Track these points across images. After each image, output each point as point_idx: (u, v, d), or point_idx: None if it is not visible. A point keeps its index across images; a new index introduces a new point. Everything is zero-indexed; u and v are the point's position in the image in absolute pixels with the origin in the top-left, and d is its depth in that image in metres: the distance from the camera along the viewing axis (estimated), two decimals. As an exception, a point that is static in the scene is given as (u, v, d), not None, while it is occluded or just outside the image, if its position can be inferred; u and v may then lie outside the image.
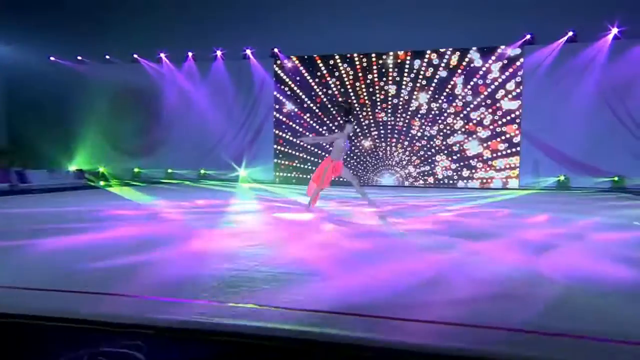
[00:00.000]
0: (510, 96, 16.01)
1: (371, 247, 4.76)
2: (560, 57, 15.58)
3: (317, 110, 17.84)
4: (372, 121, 17.32)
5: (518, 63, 15.90)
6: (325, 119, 17.78)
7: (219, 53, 18.52)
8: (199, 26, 17.53)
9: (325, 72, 17.73)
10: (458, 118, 16.26)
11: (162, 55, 19.00)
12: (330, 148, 7.33)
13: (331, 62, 17.64)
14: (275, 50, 18.21)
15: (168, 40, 18.27)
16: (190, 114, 18.71)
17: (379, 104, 17.22)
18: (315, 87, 17.81)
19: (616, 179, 14.97)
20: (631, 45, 14.91)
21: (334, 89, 17.62)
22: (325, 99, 17.75)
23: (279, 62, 18.18)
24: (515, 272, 3.74)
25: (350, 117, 7.19)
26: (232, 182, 17.94)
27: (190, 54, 18.89)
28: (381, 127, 17.23)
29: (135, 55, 19.20)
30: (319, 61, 17.78)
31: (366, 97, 17.31)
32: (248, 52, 18.35)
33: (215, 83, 18.56)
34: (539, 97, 15.66)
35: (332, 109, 16.75)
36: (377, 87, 17.19)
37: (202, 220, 6.62)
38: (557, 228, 6.32)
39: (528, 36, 15.79)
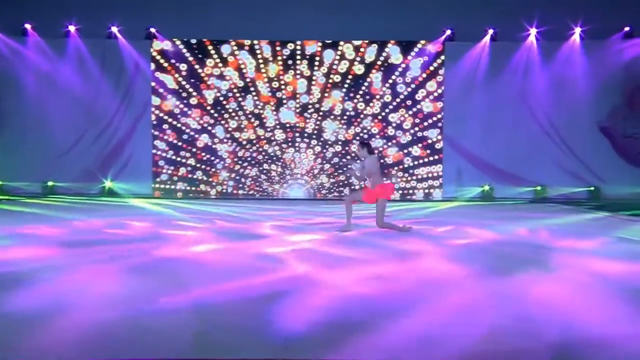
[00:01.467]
0: (431, 97, 14.95)
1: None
2: (482, 57, 15.09)
3: (208, 107, 15.16)
4: (276, 122, 15.17)
5: (439, 61, 14.94)
6: (218, 117, 15.16)
7: (72, 28, 14.86)
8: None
9: (218, 61, 15.12)
10: (376, 120, 14.73)
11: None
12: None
13: (226, 49, 15.09)
14: (152, 30, 15.12)
15: None
16: (30, 108, 14.77)
17: (285, 101, 15.12)
18: (206, 78, 15.11)
19: (538, 188, 14.71)
20: (556, 47, 14.76)
21: (230, 82, 15.09)
22: (219, 94, 15.14)
23: (158, 45, 15.11)
24: None
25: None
26: (94, 196, 14.44)
27: (28, 26, 14.92)
28: (288, 130, 15.18)
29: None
30: (210, 47, 15.12)
31: (269, 94, 15.11)
32: (114, 29, 14.98)
33: (71, 68, 14.86)
34: (461, 100, 15.01)
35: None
36: (282, 82, 15.08)
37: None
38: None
39: (448, 32, 14.94)
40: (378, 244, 6.00)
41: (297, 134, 15.17)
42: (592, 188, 14.67)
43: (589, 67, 14.73)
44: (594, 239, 6.51)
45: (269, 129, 15.28)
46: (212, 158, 15.25)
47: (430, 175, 15.12)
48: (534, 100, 14.97)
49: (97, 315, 3.17)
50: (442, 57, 15.09)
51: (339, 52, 15.15)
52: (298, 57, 15.19)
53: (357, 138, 15.13)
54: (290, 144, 15.20)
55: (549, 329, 2.94)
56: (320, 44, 15.17)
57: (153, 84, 15.15)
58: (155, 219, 8.82)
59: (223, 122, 15.24)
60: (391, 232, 6.98)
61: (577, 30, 14.75)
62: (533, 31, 14.80)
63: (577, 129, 14.82)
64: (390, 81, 15.16)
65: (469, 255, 5.27)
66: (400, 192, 15.24)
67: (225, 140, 15.25)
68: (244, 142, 15.25)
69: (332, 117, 15.27)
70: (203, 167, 15.31)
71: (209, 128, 15.25)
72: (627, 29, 14.65)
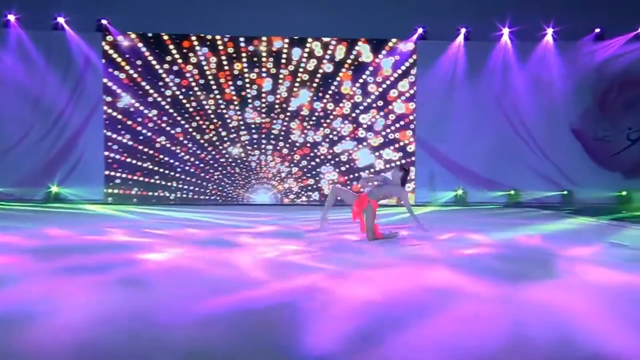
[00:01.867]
0: (403, 98, 14.51)
1: None
2: (455, 57, 14.75)
3: (166, 106, 14.23)
4: (241, 123, 14.41)
5: (411, 60, 14.53)
6: (178, 118, 14.26)
7: (11, 17, 13.65)
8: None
9: (178, 57, 14.21)
10: (346, 122, 14.19)
11: None
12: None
13: (186, 44, 14.21)
14: (104, 22, 14.07)
15: None
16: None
17: (250, 101, 14.37)
18: (165, 75, 14.18)
19: (512, 192, 14.49)
20: (530, 49, 14.62)
21: (191, 79, 14.22)
22: (178, 92, 14.23)
23: (110, 38, 14.07)
24: None
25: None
26: (38, 203, 13.27)
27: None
28: (253, 131, 14.44)
29: None
30: (169, 43, 14.20)
31: (233, 93, 14.34)
32: (61, 20, 13.85)
33: (12, 59, 13.64)
34: (434, 101, 14.63)
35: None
36: (247, 80, 14.33)
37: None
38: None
39: (420, 30, 14.55)
40: (382, 251, 5.41)
41: (263, 135, 14.32)
42: (565, 192, 14.52)
43: (562, 69, 14.66)
44: (594, 246, 6.26)
45: (232, 130, 14.46)
46: (171, 161, 14.31)
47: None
48: (508, 102, 14.75)
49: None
50: (414, 57, 14.60)
51: (306, 50, 14.50)
52: (264, 54, 14.44)
53: (326, 140, 14.47)
54: (255, 146, 14.29)
55: (583, 340, 2.74)
56: (287, 40, 14.48)
57: (105, 80, 14.07)
58: (121, 225, 7.89)
59: (183, 122, 14.32)
60: (383, 240, 6.41)
61: (550, 31, 14.63)
62: (506, 31, 14.60)
63: (551, 131, 14.70)
64: (361, 80, 14.55)
65: (484, 264, 4.82)
66: None
67: (185, 141, 14.33)
68: (206, 144, 14.37)
69: (300, 117, 14.57)
70: (161, 170, 14.33)
71: (167, 128, 14.30)
72: (597, 30, 14.62)
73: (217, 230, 7.51)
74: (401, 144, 14.77)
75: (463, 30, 14.71)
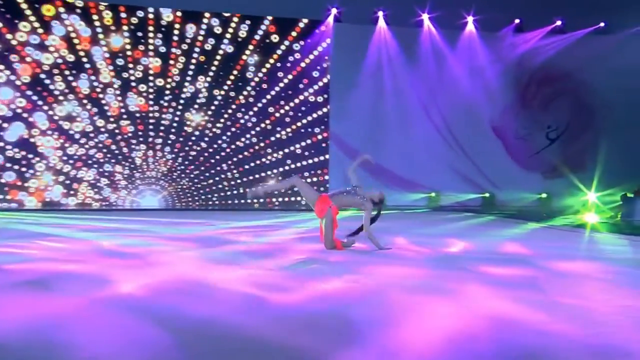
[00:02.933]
0: (315, 87, 13.21)
1: None
2: (375, 43, 13.78)
3: (22, 87, 11.69)
4: (123, 111, 12.25)
5: (324, 44, 13.20)
6: (39, 102, 11.78)
7: None
8: None
9: (37, 25, 11.74)
10: (251, 112, 12.85)
11: None
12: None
13: (49, 10, 11.77)
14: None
15: None
16: None
17: (133, 84, 12.24)
18: (20, 48, 11.65)
19: (433, 195, 13.74)
20: (453, 39, 14.01)
21: (55, 54, 11.79)
22: (39, 70, 11.75)
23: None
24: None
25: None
26: None
27: None
28: (138, 121, 12.36)
29: None
30: (26, 7, 11.66)
31: (113, 73, 12.13)
32: None
33: None
34: (350, 91, 13.49)
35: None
36: (130, 60, 12.19)
37: None
38: None
39: (335, 10, 13.28)
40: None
41: (151, 127, 12.34)
42: (487, 194, 13.96)
43: (484, 61, 14.14)
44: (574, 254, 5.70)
45: (112, 119, 12.20)
46: (30, 156, 11.76)
47: (315, 179, 13.27)
48: (429, 96, 14.01)
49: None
50: (328, 40, 13.32)
51: (203, 26, 12.62)
52: (150, 28, 12.32)
53: (228, 133, 12.68)
54: (141, 139, 12.36)
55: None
56: (179, 13, 12.49)
57: (-62, 51, 11.21)
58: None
59: (46, 107, 11.82)
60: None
61: (470, 19, 13.99)
62: (425, 17, 13.79)
63: (472, 128, 14.10)
64: (268, 65, 12.96)
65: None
66: (281, 200, 13.20)
67: (48, 132, 11.85)
68: (77, 136, 12.00)
69: (196, 106, 12.66)
70: (16, 167, 11.73)
71: (25, 115, 11.72)
72: (517, 21, 14.19)
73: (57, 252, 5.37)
74: (313, 139, 13.42)
75: (381, 14, 13.62)
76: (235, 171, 13.03)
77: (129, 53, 12.35)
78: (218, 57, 12.82)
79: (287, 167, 13.25)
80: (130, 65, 12.37)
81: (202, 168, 12.86)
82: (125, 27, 12.30)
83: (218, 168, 12.92)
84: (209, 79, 12.81)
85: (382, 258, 5.09)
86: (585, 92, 14.37)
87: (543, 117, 14.62)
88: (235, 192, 13.00)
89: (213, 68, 12.82)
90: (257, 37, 13.01)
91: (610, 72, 13.43)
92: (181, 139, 12.72)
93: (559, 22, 14.30)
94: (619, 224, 9.38)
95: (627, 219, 9.89)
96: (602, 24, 14.30)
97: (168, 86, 12.61)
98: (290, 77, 13.23)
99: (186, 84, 12.70)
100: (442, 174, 13.84)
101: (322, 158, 13.44)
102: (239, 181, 13.03)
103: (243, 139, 13.06)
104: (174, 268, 4.34)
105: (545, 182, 14.38)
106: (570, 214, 11.18)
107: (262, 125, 13.15)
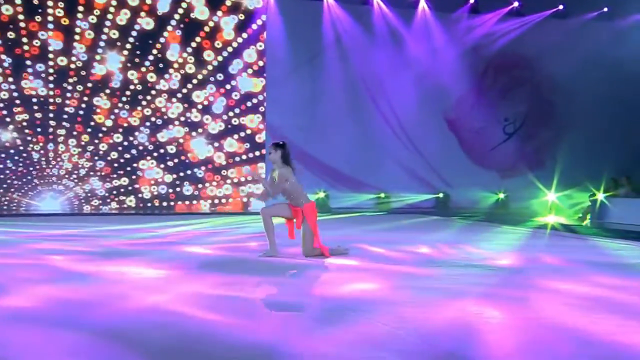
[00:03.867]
0: (250, 71, 12.35)
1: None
2: (318, 22, 12.75)
3: None
4: (15, 95, 10.69)
5: (260, 22, 12.37)
6: None
7: None
8: None
9: None
10: (174, 100, 11.98)
11: None
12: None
13: None
14: None
15: None
16: None
17: (29, 64, 10.67)
18: None
19: (382, 196, 12.95)
20: (407, 19, 13.17)
21: None
22: None
23: None
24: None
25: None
26: None
27: None
28: (35, 108, 10.91)
29: None
30: None
31: (1, 49, 10.65)
32: None
33: None
34: (290, 78, 12.56)
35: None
36: (23, 33, 10.68)
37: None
38: None
39: (270, -15, 12.20)
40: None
41: (51, 115, 11.21)
42: (441, 195, 13.12)
43: (437, 46, 13.37)
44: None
45: (0, 105, 10.68)
46: None
47: (249, 178, 12.29)
48: (378, 83, 13.15)
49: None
50: (264, 17, 12.33)
51: (116, -5, 11.22)
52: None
53: (147, 123, 11.16)
54: (39, 129, 11.19)
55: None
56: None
57: None
58: None
59: None
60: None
61: (422, -1, 13.15)
62: (376, -1, 12.82)
63: (424, 121, 13.27)
64: (194, 45, 11.86)
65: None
66: (210, 202, 11.91)
67: None
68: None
69: (107, 91, 11.14)
70: None
71: None
72: (472, 1, 13.34)
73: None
74: (248, 132, 12.39)
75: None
76: (157, 169, 11.75)
77: (22, 25, 10.78)
78: (134, 34, 11.54)
79: (217, 164, 11.95)
80: (25, 40, 10.84)
81: (116, 165, 11.70)
82: (18, -3, 10.62)
83: (135, 165, 11.53)
84: (122, 59, 11.44)
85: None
86: (545, 82, 13.94)
87: (500, 109, 13.94)
88: (155, 193, 11.52)
89: (128, 46, 11.57)
90: (180, 11, 11.78)
91: (570, 60, 12.88)
92: (89, 130, 11.49)
93: (515, 4, 13.53)
94: (589, 227, 8.92)
95: (598, 221, 9.20)
96: (560, 7, 13.66)
97: (72, 66, 11.30)
98: (220, 59, 12.14)
99: (95, 64, 11.38)
100: (390, 173, 13.03)
101: (257, 153, 12.28)
102: (159, 180, 11.58)
103: (165, 131, 11.88)
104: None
105: (502, 181, 13.68)
106: (534, 217, 10.51)
107: (188, 114, 11.98)
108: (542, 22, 13.67)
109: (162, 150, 11.79)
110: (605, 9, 13.46)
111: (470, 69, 13.64)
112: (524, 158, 13.75)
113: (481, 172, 13.62)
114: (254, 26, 12.25)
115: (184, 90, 11.90)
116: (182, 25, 11.79)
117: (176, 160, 11.88)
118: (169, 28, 11.70)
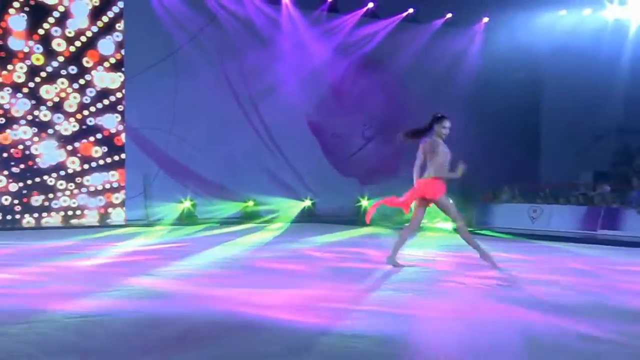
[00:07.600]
0: (106, 65, 12.48)
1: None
2: (174, 12, 13.13)
3: None
4: None
5: (116, 9, 12.42)
6: None
7: None
8: None
9: None
10: (20, 95, 11.85)
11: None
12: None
13: None
14: None
15: None
16: None
17: None
18: None
19: (250, 203, 13.71)
20: (275, 13, 14.15)
21: None
22: None
23: None
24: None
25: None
26: None
27: None
28: None
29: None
30: None
31: None
32: None
33: None
34: (152, 73, 12.86)
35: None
36: None
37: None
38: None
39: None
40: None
41: None
42: (310, 203, 14.20)
43: (299, 45, 14.34)
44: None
45: None
46: None
47: (107, 186, 12.50)
48: (242, 82, 13.95)
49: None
50: (121, 4, 12.48)
51: None
52: None
53: None
54: None
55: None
56: None
57: None
58: None
59: None
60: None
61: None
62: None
63: (288, 123, 14.39)
64: (42, 32, 11.79)
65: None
66: (65, 213, 11.73)
67: None
68: None
69: None
70: None
71: None
72: (371, 4, 14.64)
73: None
74: (105, 133, 12.54)
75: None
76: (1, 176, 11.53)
77: None
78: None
79: (70, 170, 11.98)
80: None
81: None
82: None
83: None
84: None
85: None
86: (399, 85, 15.48)
87: (360, 112, 15.39)
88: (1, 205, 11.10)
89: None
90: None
91: (422, 64, 14.79)
92: None
93: (370, 4, 14.94)
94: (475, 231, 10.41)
95: (482, 226, 10.99)
96: (410, 10, 15.26)
97: None
98: (72, 49, 12.09)
99: None
100: (258, 178, 13.85)
101: (116, 158, 12.50)
102: (2, 190, 11.36)
103: (8, 131, 11.64)
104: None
105: (362, 188, 14.94)
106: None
107: (36, 113, 11.81)
108: (398, 24, 15.16)
109: (4, 154, 11.50)
110: (450, 15, 15.37)
111: (330, 70, 14.86)
112: (384, 163, 15.16)
113: (342, 178, 15.02)
114: (110, 14, 12.28)
115: (30, 85, 11.71)
116: (26, 9, 11.47)
117: (22, 166, 11.66)
118: (11, 11, 11.32)
